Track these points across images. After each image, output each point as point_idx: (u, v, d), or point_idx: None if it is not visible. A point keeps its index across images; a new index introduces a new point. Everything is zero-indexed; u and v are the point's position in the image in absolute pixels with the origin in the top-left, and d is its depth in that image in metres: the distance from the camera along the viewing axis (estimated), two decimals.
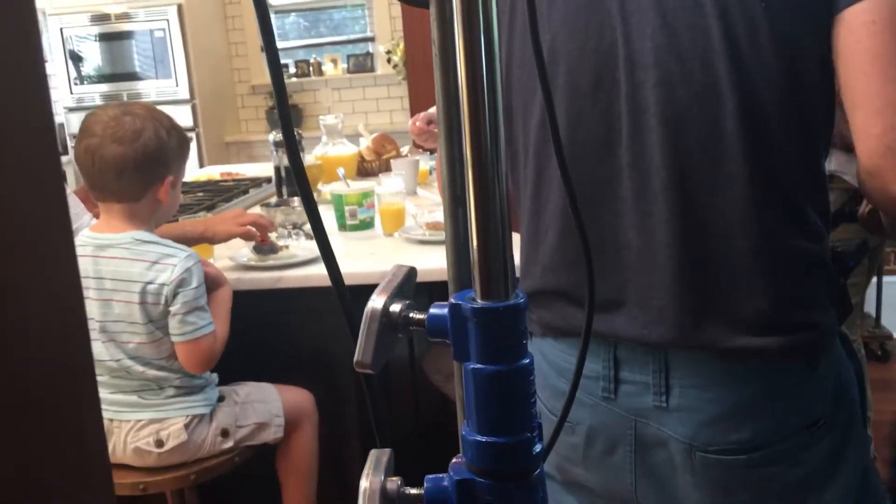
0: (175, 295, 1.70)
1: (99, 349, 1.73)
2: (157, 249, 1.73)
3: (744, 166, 0.95)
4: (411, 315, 0.55)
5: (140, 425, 1.77)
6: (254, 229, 1.96)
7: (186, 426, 1.78)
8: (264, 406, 1.89)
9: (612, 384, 1.04)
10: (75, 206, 1.95)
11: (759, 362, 0.98)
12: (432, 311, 0.54)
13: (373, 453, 0.57)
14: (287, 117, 0.58)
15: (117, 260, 1.71)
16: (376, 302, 0.54)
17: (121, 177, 1.70)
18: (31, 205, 0.36)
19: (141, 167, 1.71)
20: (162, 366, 1.77)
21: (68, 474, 0.38)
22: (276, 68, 0.56)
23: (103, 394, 1.76)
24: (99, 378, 1.74)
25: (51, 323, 0.36)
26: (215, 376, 1.88)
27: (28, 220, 0.36)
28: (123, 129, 1.69)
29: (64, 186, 0.39)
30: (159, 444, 1.76)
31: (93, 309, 1.72)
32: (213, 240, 1.96)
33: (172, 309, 1.71)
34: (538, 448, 0.53)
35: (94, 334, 1.72)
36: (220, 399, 1.87)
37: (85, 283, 1.70)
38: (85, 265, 1.70)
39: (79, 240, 1.75)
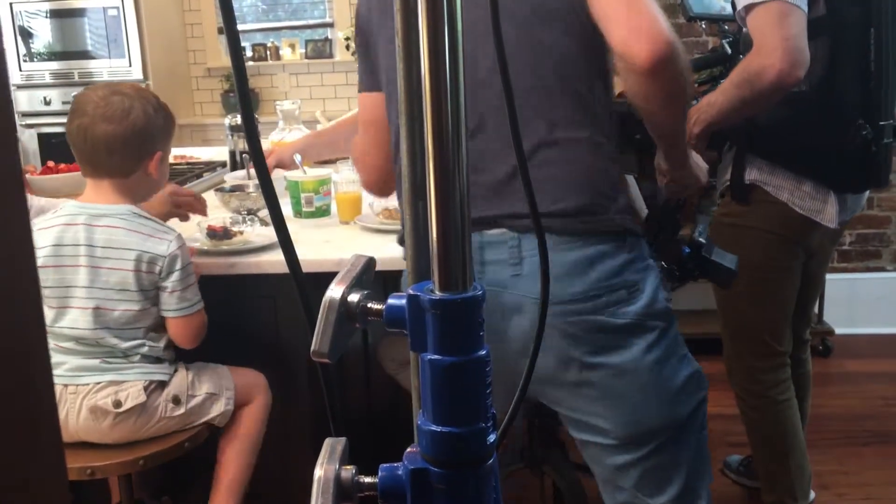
0: (171, 270, 1.77)
1: (75, 315, 1.76)
2: (151, 224, 1.81)
3: None
4: (369, 305, 0.55)
5: (99, 387, 1.78)
6: (187, 211, 2.04)
7: (145, 388, 1.79)
8: (216, 378, 1.91)
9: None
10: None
11: None
12: (390, 301, 0.55)
13: (328, 442, 0.58)
14: (247, 101, 0.58)
15: (113, 228, 1.77)
16: (334, 292, 0.55)
17: (112, 154, 1.79)
18: None
19: (130, 144, 1.80)
20: (138, 336, 1.80)
21: (18, 458, 0.38)
22: (237, 51, 0.56)
23: (65, 358, 1.78)
24: (64, 345, 1.77)
25: (3, 300, 0.36)
26: (174, 354, 1.88)
27: None
28: (113, 108, 1.78)
29: (19, 159, 0.38)
30: (117, 404, 1.77)
31: (81, 276, 1.76)
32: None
33: (168, 285, 1.78)
34: (492, 438, 0.54)
35: (78, 301, 1.77)
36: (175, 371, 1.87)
37: (76, 250, 1.76)
38: (77, 233, 1.76)
39: (67, 209, 1.80)
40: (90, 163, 1.82)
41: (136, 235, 1.76)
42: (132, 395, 1.78)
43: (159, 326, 1.83)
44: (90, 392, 1.77)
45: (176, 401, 1.82)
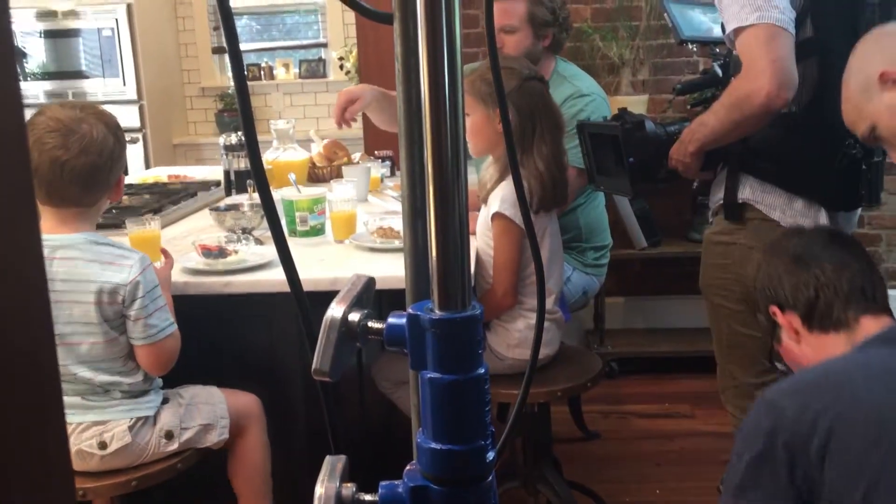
0: (133, 298, 1.70)
1: None
2: (111, 251, 1.73)
3: None
4: (370, 324, 0.56)
5: (82, 427, 1.74)
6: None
7: (130, 428, 1.76)
8: (209, 408, 1.87)
9: None
10: None
11: None
12: (391, 320, 0.55)
13: (328, 460, 0.58)
14: (249, 120, 0.59)
15: (71, 260, 1.69)
16: (335, 311, 0.55)
17: (88, 188, 1.71)
18: None
19: (107, 175, 1.73)
20: (114, 369, 1.75)
21: (29, 485, 0.38)
22: (240, 70, 0.57)
23: None
24: None
25: (15, 329, 0.36)
26: (159, 380, 1.86)
27: None
28: (87, 138, 1.68)
29: (32, 184, 0.39)
30: (102, 446, 1.74)
31: None
32: None
33: (132, 313, 1.71)
34: (491, 455, 0.54)
35: None
36: (165, 401, 1.85)
37: None
38: None
39: None
40: (59, 195, 1.70)
41: (95, 265, 1.69)
42: (117, 435, 1.74)
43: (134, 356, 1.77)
44: (73, 433, 1.73)
45: (169, 436, 1.79)
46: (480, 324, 0.53)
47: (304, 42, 5.57)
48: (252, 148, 0.59)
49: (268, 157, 2.87)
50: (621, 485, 2.69)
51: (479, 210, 2.20)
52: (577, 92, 2.61)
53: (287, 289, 0.61)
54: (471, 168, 2.82)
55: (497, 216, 2.05)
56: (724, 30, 1.91)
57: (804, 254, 1.42)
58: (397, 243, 2.07)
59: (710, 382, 2.43)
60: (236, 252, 2.02)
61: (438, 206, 0.52)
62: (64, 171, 1.67)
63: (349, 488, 0.56)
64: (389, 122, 2.86)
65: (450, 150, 0.51)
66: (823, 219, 1.99)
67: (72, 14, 4.75)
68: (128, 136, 1.92)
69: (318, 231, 2.26)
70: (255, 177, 0.60)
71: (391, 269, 1.89)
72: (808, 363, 1.40)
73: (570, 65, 2.78)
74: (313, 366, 0.54)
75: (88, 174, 1.70)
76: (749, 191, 2.02)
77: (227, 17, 0.55)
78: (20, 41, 4.82)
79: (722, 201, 2.07)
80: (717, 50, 2.24)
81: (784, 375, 1.58)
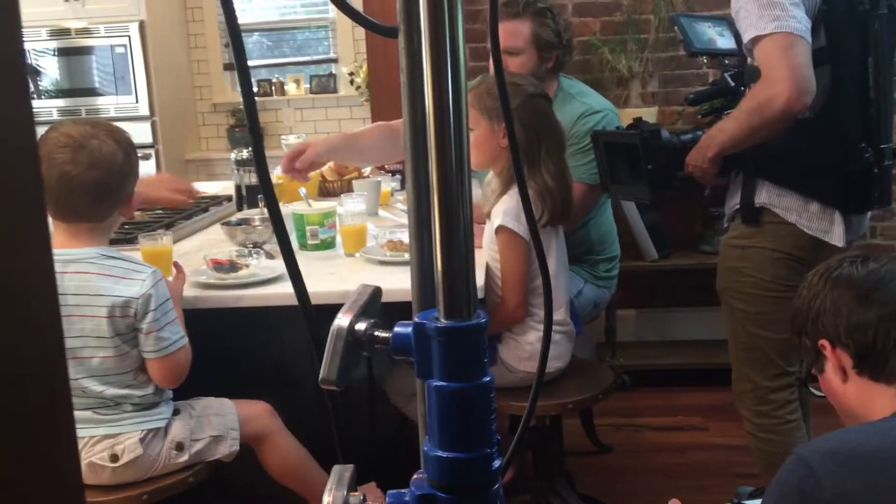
0: (146, 311, 1.71)
1: None
2: (123, 265, 1.74)
3: None
4: (376, 333, 0.57)
5: (94, 441, 1.75)
6: (183, 197, 2.00)
7: (141, 440, 1.77)
8: (220, 419, 1.88)
9: None
10: None
11: None
12: (397, 329, 0.56)
13: (335, 469, 0.58)
14: (257, 136, 0.59)
15: (83, 274, 1.71)
16: (342, 320, 0.56)
17: (97, 201, 1.73)
18: (9, 217, 0.37)
19: (116, 190, 1.75)
20: (124, 382, 1.76)
21: (41, 500, 0.39)
22: (248, 87, 0.58)
23: None
24: None
25: (26, 343, 0.37)
26: (170, 392, 1.87)
27: (6, 233, 0.36)
28: (96, 153, 1.70)
29: (44, 197, 0.40)
30: (114, 458, 1.75)
31: None
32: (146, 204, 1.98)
33: (144, 326, 1.72)
34: (497, 463, 0.55)
35: None
36: (176, 413, 1.86)
37: None
38: None
39: None
40: (69, 209, 1.72)
41: (108, 279, 1.71)
42: (128, 447, 1.75)
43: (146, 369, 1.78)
44: (85, 447, 1.74)
45: (179, 447, 1.80)
46: (486, 332, 0.54)
47: (315, 58, 5.60)
48: (259, 161, 0.60)
49: (279, 171, 2.89)
50: (634, 498, 2.68)
51: (483, 224, 2.20)
52: (589, 109, 2.61)
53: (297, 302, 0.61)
54: (474, 183, 2.83)
55: (501, 229, 2.06)
56: (737, 41, 1.95)
57: (872, 291, 1.31)
58: (407, 256, 2.07)
59: (723, 395, 2.42)
60: (247, 266, 2.03)
61: (443, 217, 0.52)
62: (73, 186, 1.69)
63: (357, 496, 0.56)
64: (379, 158, 2.84)
65: (454, 159, 0.52)
66: (838, 220, 2.03)
67: (85, 32, 4.80)
68: (140, 153, 1.94)
69: (328, 245, 2.27)
70: (263, 190, 0.61)
71: (401, 282, 1.89)
72: (849, 405, 1.33)
73: (575, 81, 2.77)
74: (320, 375, 0.55)
75: (97, 189, 1.71)
76: (765, 195, 2.05)
77: (236, 40, 0.56)
78: (34, 59, 4.87)
79: (738, 206, 2.10)
80: (727, 61, 2.26)
81: (808, 385, 1.50)
